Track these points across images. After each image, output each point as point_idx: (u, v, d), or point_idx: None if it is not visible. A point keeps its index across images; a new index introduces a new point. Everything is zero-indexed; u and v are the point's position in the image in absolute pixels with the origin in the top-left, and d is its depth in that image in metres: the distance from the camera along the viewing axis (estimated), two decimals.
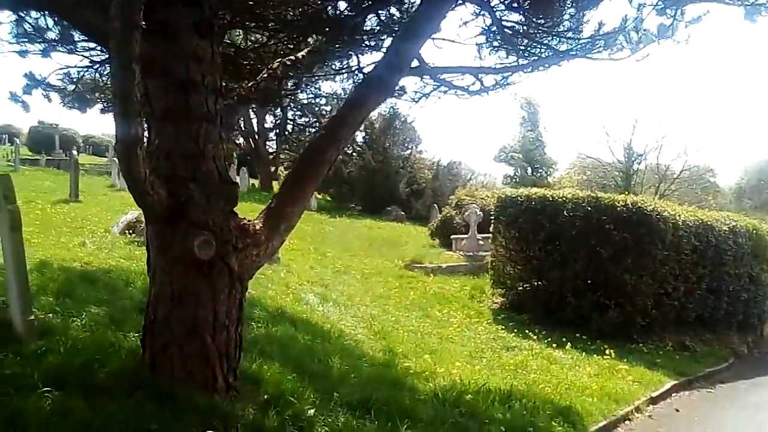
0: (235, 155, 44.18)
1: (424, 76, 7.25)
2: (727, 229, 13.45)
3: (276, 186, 43.81)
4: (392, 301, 12.73)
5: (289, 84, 9.31)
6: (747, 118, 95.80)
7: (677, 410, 8.36)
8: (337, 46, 8.36)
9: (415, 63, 5.95)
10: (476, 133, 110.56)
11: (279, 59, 7.38)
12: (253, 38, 9.12)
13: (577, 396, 7.41)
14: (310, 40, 8.34)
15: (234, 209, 4.83)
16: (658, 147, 39.83)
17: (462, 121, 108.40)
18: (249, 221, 4.90)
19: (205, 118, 4.51)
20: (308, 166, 5.14)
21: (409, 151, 37.17)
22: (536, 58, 7.94)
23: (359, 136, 37.13)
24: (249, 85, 6.77)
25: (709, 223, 13.11)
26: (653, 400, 8.56)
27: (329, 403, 5.27)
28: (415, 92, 8.52)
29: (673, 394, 9.27)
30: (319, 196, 35.42)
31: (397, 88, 9.07)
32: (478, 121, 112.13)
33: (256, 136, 39.75)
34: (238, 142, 42.31)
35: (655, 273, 11.81)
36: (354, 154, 35.81)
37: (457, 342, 9.95)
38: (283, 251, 15.20)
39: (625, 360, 10.12)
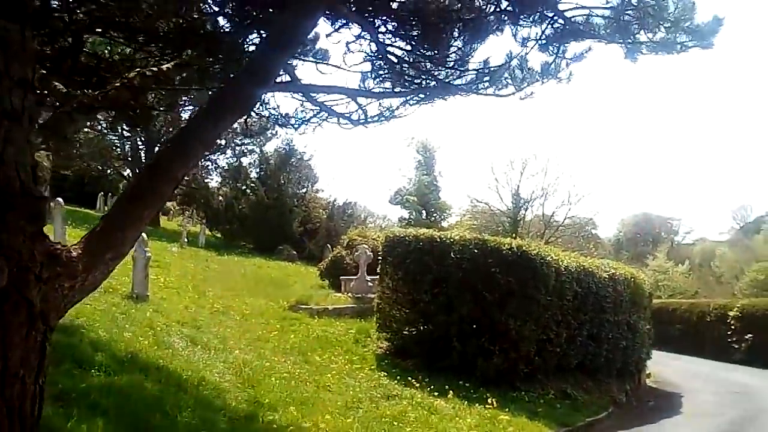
0: (121, 187, 41.70)
1: (297, 94, 6.71)
2: (607, 276, 13.71)
3: (164, 221, 41.66)
4: (270, 344, 11.81)
5: (156, 100, 8.43)
6: (624, 172, 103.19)
7: None
8: (213, 63, 7.67)
9: (287, 78, 5.37)
10: (373, 175, 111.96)
11: (138, 69, 6.58)
12: (120, 50, 8.25)
13: None
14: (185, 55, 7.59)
15: (42, 230, 3.94)
16: (543, 194, 41.69)
17: (359, 163, 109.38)
18: (63, 246, 4.02)
19: (6, 114, 3.65)
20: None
21: (304, 190, 36.53)
22: (422, 90, 7.62)
23: (253, 172, 36.17)
24: (96, 93, 5.90)
25: (590, 269, 13.30)
26: None
27: None
28: (295, 117, 7.97)
29: None
30: (209, 233, 33.88)
31: (278, 113, 8.57)
32: (375, 163, 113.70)
33: (143, 167, 37.59)
34: (124, 173, 39.95)
35: (539, 318, 11.71)
36: (247, 190, 34.69)
37: (335, 390, 9.21)
38: (156, 288, 13.98)
39: (507, 409, 9.77)
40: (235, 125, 36.55)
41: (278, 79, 5.66)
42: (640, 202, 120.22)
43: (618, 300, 13.97)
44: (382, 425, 7.43)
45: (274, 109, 8.43)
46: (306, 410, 7.43)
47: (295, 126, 8.17)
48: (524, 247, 11.82)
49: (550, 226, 41.59)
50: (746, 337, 22.94)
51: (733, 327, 23.72)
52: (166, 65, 6.80)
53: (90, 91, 6.04)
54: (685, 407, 13.85)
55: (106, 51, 8.16)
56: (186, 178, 41.02)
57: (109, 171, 41.62)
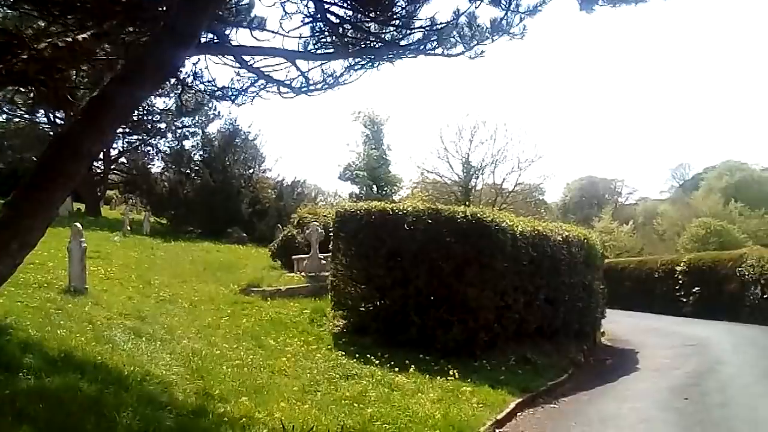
0: None
1: (233, 63, 6.15)
2: (561, 239, 13.64)
3: (107, 210, 40.02)
4: (221, 331, 11.30)
5: (78, 78, 7.72)
6: (567, 136, 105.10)
7: None
8: (138, 34, 7.02)
9: (210, 39, 4.84)
10: (321, 152, 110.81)
11: (49, 40, 5.90)
12: (33, 25, 7.50)
13: (419, 430, 6.59)
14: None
15: None
16: (493, 162, 41.76)
17: (307, 141, 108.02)
18: None
19: None
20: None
21: (251, 171, 35.54)
22: (366, 51, 7.17)
23: (196, 155, 34.98)
24: None
25: (544, 233, 13.19)
26: (499, 423, 8.02)
27: None
28: (230, 88, 7.41)
29: (518, 414, 8.83)
30: (154, 220, 32.67)
31: (214, 86, 7.97)
32: (322, 140, 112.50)
33: None
34: None
35: (497, 285, 11.53)
36: (191, 173, 33.52)
37: (291, 374, 8.81)
38: (96, 281, 13.26)
39: (469, 380, 9.57)
40: (171, 103, 35.24)
41: (205, 40, 5.11)
42: (585, 166, 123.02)
43: (573, 262, 13.95)
44: (341, 408, 7.08)
45: (210, 82, 7.88)
46: (260, 399, 7.01)
47: (232, 97, 7.64)
48: (479, 215, 11.58)
49: (501, 194, 41.81)
50: (693, 290, 23.55)
51: (680, 282, 24.31)
52: (82, 35, 6.14)
53: None
54: (642, 363, 14.00)
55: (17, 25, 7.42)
56: (125, 163, 39.62)
57: None
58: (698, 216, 44.66)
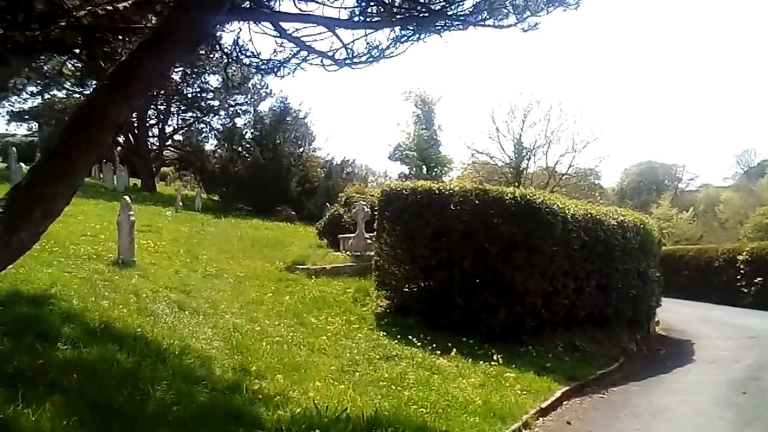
0: (116, 153, 40.96)
1: (274, 33, 5.95)
2: (615, 223, 13.08)
3: (161, 186, 40.98)
4: (264, 307, 11.28)
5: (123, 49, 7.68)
6: (627, 119, 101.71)
7: (569, 423, 7.52)
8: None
9: (246, 4, 4.64)
10: (372, 132, 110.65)
11: (89, 8, 5.82)
12: None
13: (458, 416, 6.36)
14: None
15: None
16: (546, 143, 40.59)
17: (358, 120, 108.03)
18: None
19: None
20: (82, 131, 3.68)
21: (301, 149, 35.65)
22: (412, 20, 6.85)
23: (248, 133, 35.28)
24: (36, 33, 5.17)
25: (598, 217, 12.66)
26: (543, 412, 7.70)
27: None
28: (273, 60, 7.23)
29: (564, 403, 8.49)
30: (205, 196, 33.21)
31: (258, 59, 7.81)
32: (374, 120, 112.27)
33: (136, 132, 36.69)
34: (118, 138, 39.09)
35: (545, 270, 11.13)
36: (242, 151, 33.86)
37: (330, 353, 8.69)
38: (145, 254, 13.43)
39: (514, 366, 9.28)
40: (217, 81, 35.47)
41: (243, 6, 4.91)
42: (644, 151, 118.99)
43: (627, 248, 13.36)
44: (378, 389, 6.90)
45: (253, 54, 7.73)
46: (297, 376, 6.90)
47: (275, 69, 7.45)
48: (528, 196, 11.15)
49: (554, 176, 40.68)
50: (756, 280, 22.51)
51: (742, 271, 23.26)
52: (123, 3, 6.03)
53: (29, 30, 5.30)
54: (698, 354, 13.40)
55: None
56: (180, 139, 40.35)
57: None
58: (763, 204, 42.70)
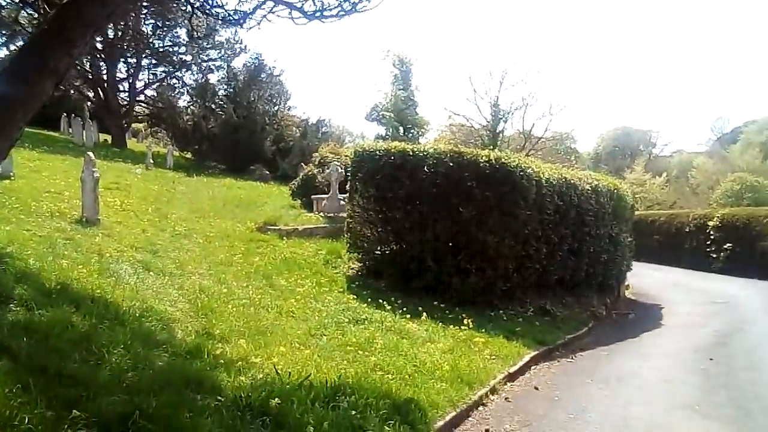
0: (86, 108, 39.76)
1: None
2: (589, 188, 13.01)
3: (133, 143, 39.93)
4: (233, 268, 11.05)
5: None
6: (603, 85, 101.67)
7: (536, 388, 7.49)
8: None
9: None
10: (350, 91, 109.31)
11: None
12: None
13: (425, 382, 6.27)
14: None
15: None
16: (523, 105, 40.31)
17: (336, 79, 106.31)
18: None
19: None
20: (19, 80, 3.36)
21: (276, 107, 34.97)
22: None
23: (221, 90, 34.41)
24: None
25: (572, 181, 12.57)
26: (511, 377, 7.68)
27: (60, 426, 3.65)
28: (238, 11, 6.86)
29: (532, 367, 8.49)
30: (177, 154, 32.51)
31: (224, 10, 7.42)
32: (352, 80, 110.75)
33: (106, 86, 35.54)
34: (87, 93, 37.86)
35: (518, 234, 11.05)
36: (216, 108, 33.07)
37: (299, 316, 8.54)
38: (111, 212, 13.06)
39: (484, 330, 9.24)
40: (181, 33, 34.35)
41: None
42: (620, 117, 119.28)
43: (600, 213, 13.34)
44: (345, 354, 6.76)
45: (218, 5, 7.34)
46: (263, 340, 6.74)
47: (240, 20, 7.08)
48: (503, 159, 10.98)
49: (530, 140, 40.58)
50: (725, 246, 22.79)
51: (712, 237, 23.53)
52: None
53: None
54: (666, 319, 13.56)
55: None
56: (152, 95, 39.26)
57: (71, 91, 39.53)
58: (734, 171, 43.19)
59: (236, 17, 7.09)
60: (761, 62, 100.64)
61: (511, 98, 41.21)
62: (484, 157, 10.99)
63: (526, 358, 8.48)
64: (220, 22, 7.80)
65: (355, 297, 10.29)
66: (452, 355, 7.59)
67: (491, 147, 30.90)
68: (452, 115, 42.17)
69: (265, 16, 6.58)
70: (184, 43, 36.45)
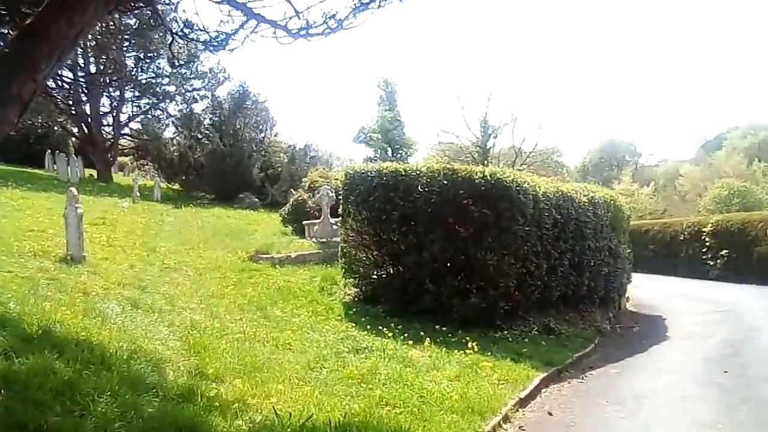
0: (71, 143, 39.37)
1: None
2: (586, 200, 12.79)
3: (119, 177, 39.51)
4: (225, 301, 10.65)
5: None
6: (588, 99, 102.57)
7: (550, 413, 7.13)
8: None
9: None
10: (336, 115, 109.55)
11: None
12: None
13: (434, 414, 5.90)
14: None
15: None
16: (512, 121, 40.24)
17: (321, 104, 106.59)
18: None
19: None
20: None
21: (262, 134, 34.73)
22: None
23: (207, 119, 34.15)
24: None
25: (569, 194, 12.34)
26: (522, 402, 7.32)
27: None
28: (220, 32, 6.59)
29: (543, 390, 8.13)
30: (164, 186, 32.10)
31: (206, 33, 7.16)
32: (337, 103, 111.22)
33: (89, 121, 35.19)
34: (71, 128, 37.49)
35: (518, 251, 10.76)
36: (202, 137, 32.74)
37: (296, 349, 8.15)
38: (97, 248, 12.65)
39: (489, 353, 8.90)
40: (164, 64, 34.25)
41: None
42: (603, 130, 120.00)
43: (599, 225, 13.11)
44: (347, 388, 6.39)
45: (200, 29, 7.08)
46: (259, 378, 6.35)
47: (222, 42, 6.81)
48: (498, 175, 10.73)
49: (520, 155, 40.50)
50: (721, 253, 22.64)
51: (707, 244, 23.40)
52: None
53: None
54: (671, 331, 13.27)
55: None
56: (138, 128, 38.92)
57: (55, 128, 39.17)
58: (721, 177, 43.33)
59: (218, 40, 6.81)
60: (741, 69, 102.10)
61: (499, 114, 41.28)
62: (478, 174, 10.74)
63: (536, 381, 8.13)
64: (201, 45, 7.52)
65: (353, 324, 9.91)
66: (459, 382, 7.24)
67: (483, 163, 30.80)
68: (441, 132, 42.12)
69: (248, 36, 6.31)
70: (167, 74, 36.26)
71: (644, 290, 18.91)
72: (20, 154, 37.55)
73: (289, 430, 4.78)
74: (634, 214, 41.15)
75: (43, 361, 5.38)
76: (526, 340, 10.33)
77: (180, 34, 7.43)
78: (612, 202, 14.19)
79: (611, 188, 40.22)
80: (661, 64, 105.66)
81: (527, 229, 10.85)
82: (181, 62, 29.59)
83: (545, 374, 8.54)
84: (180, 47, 8.36)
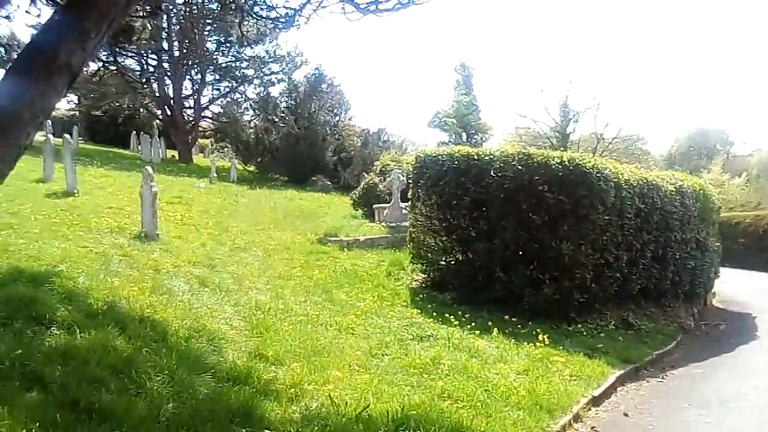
0: (155, 125, 40.91)
1: None
2: (673, 189, 11.95)
3: (199, 158, 40.76)
4: (292, 282, 10.62)
5: None
6: (678, 87, 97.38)
7: (626, 414, 6.64)
8: None
9: None
10: (410, 98, 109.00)
11: None
12: None
13: (499, 410, 5.55)
14: None
15: None
16: (595, 105, 38.40)
17: (395, 87, 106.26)
18: None
19: None
20: (25, 76, 2.93)
21: (337, 118, 34.86)
22: None
23: (283, 102, 34.61)
24: None
25: (654, 183, 11.54)
26: (595, 401, 6.84)
27: None
28: (287, 8, 6.41)
29: (618, 389, 7.60)
30: (241, 167, 32.80)
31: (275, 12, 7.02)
32: (411, 87, 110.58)
33: (172, 103, 36.42)
34: (155, 111, 38.96)
35: (596, 241, 10.15)
36: (277, 121, 33.22)
37: (359, 334, 7.97)
38: (171, 226, 12.93)
39: (561, 347, 8.42)
40: (251, 50, 34.84)
41: None
42: (694, 118, 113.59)
43: (686, 216, 12.23)
44: (408, 378, 6.13)
45: (269, 6, 6.95)
46: (319, 362, 6.19)
47: (290, 20, 6.64)
48: (577, 160, 10.11)
49: (602, 141, 38.64)
50: None
51: None
52: None
53: None
54: (762, 329, 12.32)
55: None
56: (218, 111, 39.94)
57: (140, 110, 40.83)
58: None
59: (287, 16, 6.64)
60: None
61: (581, 98, 39.43)
62: (556, 159, 10.17)
63: (611, 379, 7.61)
64: (270, 24, 7.39)
65: (419, 311, 9.63)
66: (528, 376, 6.84)
67: (561, 149, 29.63)
68: (518, 117, 40.89)
69: (315, 11, 6.08)
70: (247, 58, 36.99)
71: (733, 286, 17.68)
72: (108, 135, 39.45)
73: (344, 419, 4.58)
74: (725, 205, 38.77)
75: (104, 337, 5.41)
76: (602, 334, 9.76)
77: (250, 10, 7.32)
78: (701, 191, 13.23)
79: (700, 178, 37.98)
80: (757, 48, 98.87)
81: (607, 218, 10.22)
82: (249, 42, 29.91)
83: (622, 372, 7.99)
84: (250, 26, 8.32)
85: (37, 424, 3.54)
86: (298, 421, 4.54)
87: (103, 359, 4.92)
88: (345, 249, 13.96)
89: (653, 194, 11.30)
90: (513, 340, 8.47)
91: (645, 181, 11.32)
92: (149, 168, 12.20)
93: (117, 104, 39.56)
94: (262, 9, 7.05)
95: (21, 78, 2.85)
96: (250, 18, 7.44)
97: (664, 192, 11.63)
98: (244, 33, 9.27)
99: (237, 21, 8.01)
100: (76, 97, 40.90)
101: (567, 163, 10.02)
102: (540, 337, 8.40)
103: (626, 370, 8.19)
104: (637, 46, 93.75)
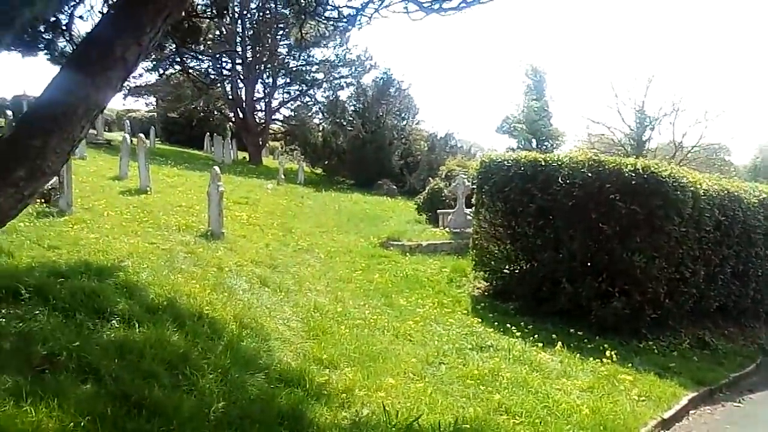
0: (228, 127, 42.08)
1: None
2: (756, 201, 11.20)
3: (269, 160, 41.68)
4: (352, 285, 10.60)
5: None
6: (762, 94, 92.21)
7: None
8: None
9: None
10: (479, 103, 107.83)
11: None
12: None
13: (560, 428, 5.27)
14: None
15: None
16: (674, 110, 36.62)
17: (465, 91, 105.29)
18: None
19: None
20: (81, 70, 2.94)
21: (404, 122, 34.82)
22: None
23: (351, 105, 34.90)
24: None
25: (736, 194, 10.84)
26: (665, 424, 6.42)
27: None
28: (349, 7, 6.34)
29: (691, 412, 7.12)
30: (308, 170, 33.25)
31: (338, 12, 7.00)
32: (481, 91, 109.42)
33: (244, 106, 37.37)
34: (228, 113, 40.11)
35: (671, 254, 9.59)
36: (345, 124, 33.51)
37: (416, 340, 7.81)
38: (236, 225, 13.17)
39: (630, 365, 7.97)
40: (321, 54, 35.31)
41: None
42: None
43: None
44: (464, 390, 5.92)
45: (331, 7, 6.92)
46: (373, 368, 6.08)
47: (352, 20, 6.57)
48: (652, 168, 9.59)
49: (681, 150, 36.82)
50: None
51: None
52: None
53: None
54: None
55: None
56: (288, 114, 40.74)
57: (215, 112, 42.10)
58: None
59: (348, 16, 6.58)
60: None
61: (658, 103, 37.74)
62: (629, 166, 9.68)
63: (684, 401, 7.13)
64: (331, 25, 7.35)
65: (480, 320, 9.36)
66: (592, 394, 6.49)
67: (637, 157, 28.46)
68: (591, 123, 39.57)
69: (377, 10, 5.98)
70: (317, 62, 37.52)
71: None
72: (183, 136, 40.83)
73: (394, 429, 4.43)
74: None
75: (162, 332, 5.47)
76: (675, 353, 9.21)
77: (311, 11, 7.31)
78: None
79: None
80: None
81: (683, 230, 9.65)
82: (308, 44, 30.28)
83: (695, 394, 7.48)
84: (310, 27, 8.37)
85: (87, 417, 3.56)
86: (347, 428, 4.44)
87: (158, 354, 4.97)
88: (407, 254, 13.84)
89: (735, 206, 10.61)
90: (578, 354, 8.08)
91: (726, 192, 10.65)
92: (217, 168, 12.46)
93: (192, 106, 40.92)
94: (324, 9, 7.00)
95: (76, 72, 2.88)
96: (312, 20, 7.39)
97: (747, 204, 10.91)
98: (304, 35, 9.24)
99: (299, 23, 7.98)
100: (154, 100, 42.63)
101: (641, 170, 9.53)
102: (607, 353, 7.98)
103: (700, 393, 7.66)
104: (717, 48, 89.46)
